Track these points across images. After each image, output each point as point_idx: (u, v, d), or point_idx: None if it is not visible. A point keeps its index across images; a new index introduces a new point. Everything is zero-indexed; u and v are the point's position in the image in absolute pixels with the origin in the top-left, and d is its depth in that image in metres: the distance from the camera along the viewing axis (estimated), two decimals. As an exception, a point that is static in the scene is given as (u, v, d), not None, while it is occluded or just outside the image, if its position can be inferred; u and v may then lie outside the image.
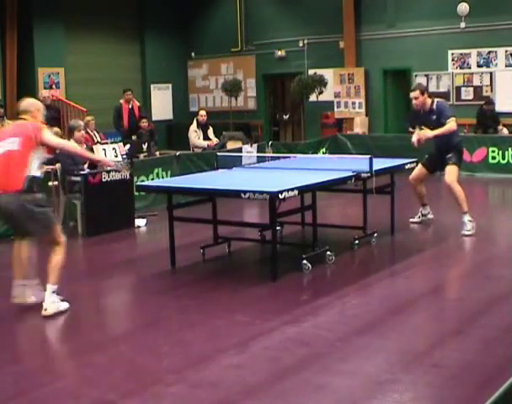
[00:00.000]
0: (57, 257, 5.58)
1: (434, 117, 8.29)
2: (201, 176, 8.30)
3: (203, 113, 13.26)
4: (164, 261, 7.13)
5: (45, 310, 5.51)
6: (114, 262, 7.59)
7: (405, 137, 11.78)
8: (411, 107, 8.83)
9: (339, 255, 7.11)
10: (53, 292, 5.54)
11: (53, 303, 5.54)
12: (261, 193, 6.11)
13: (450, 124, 8.19)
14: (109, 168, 8.34)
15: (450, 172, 8.25)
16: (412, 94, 8.46)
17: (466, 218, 8.15)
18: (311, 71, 16.72)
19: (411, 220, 8.76)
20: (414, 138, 8.35)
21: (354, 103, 16.56)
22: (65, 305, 5.64)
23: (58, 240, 5.60)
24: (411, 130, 8.73)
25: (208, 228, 7.66)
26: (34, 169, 5.53)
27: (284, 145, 14.03)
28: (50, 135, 5.76)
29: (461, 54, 15.03)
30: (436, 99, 8.53)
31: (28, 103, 5.86)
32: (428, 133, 8.16)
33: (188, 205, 7.61)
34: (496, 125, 13.78)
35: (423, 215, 8.87)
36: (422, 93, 8.36)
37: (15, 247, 5.80)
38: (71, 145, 6.58)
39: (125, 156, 7.62)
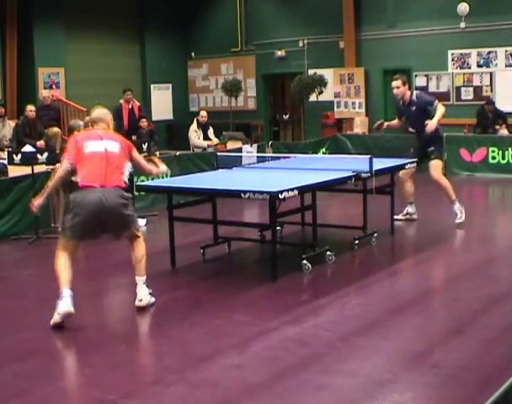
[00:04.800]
0: (141, 250, 5.69)
1: (414, 108, 8.42)
2: (201, 176, 8.30)
3: (204, 113, 13.23)
4: (164, 261, 7.12)
5: (140, 300, 5.65)
6: (114, 262, 7.57)
7: (405, 137, 11.82)
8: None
9: (339, 255, 7.11)
10: (144, 284, 5.69)
11: (147, 295, 5.69)
12: (261, 193, 6.11)
13: (441, 107, 8.33)
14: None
15: (436, 167, 8.46)
16: (394, 83, 8.57)
17: (456, 206, 8.42)
18: (311, 71, 16.73)
19: (395, 217, 8.60)
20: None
21: (354, 103, 16.56)
22: (152, 300, 5.78)
23: (138, 234, 5.73)
24: (397, 120, 8.85)
25: (208, 228, 7.66)
26: (126, 176, 5.66)
27: (284, 145, 14.03)
28: (138, 154, 6.02)
29: (461, 54, 15.03)
30: (415, 91, 8.61)
31: (102, 112, 5.94)
32: (433, 122, 8.16)
33: (188, 205, 7.61)
34: (501, 123, 13.71)
35: (408, 214, 8.88)
36: (403, 84, 8.50)
37: (65, 256, 5.54)
38: (148, 166, 6.32)
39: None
